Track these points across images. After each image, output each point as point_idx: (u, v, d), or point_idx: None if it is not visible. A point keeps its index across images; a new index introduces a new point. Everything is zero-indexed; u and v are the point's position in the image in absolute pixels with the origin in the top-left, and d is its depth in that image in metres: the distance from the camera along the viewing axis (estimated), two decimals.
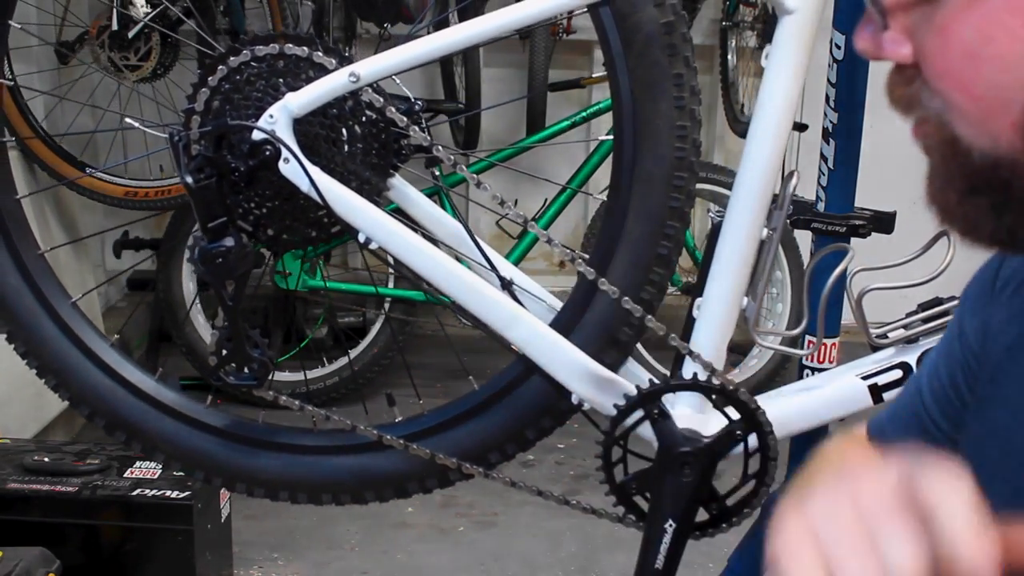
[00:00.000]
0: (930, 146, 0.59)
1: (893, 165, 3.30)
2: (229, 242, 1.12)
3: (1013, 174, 0.56)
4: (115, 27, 2.49)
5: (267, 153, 1.11)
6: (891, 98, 0.60)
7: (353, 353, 2.96)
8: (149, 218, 3.17)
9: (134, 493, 1.90)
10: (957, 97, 0.56)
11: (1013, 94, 0.53)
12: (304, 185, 1.12)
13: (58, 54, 2.71)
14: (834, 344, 1.37)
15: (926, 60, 0.56)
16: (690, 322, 1.20)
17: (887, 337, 1.20)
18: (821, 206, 1.34)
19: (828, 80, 1.31)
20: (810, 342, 1.33)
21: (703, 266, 1.19)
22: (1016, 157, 0.55)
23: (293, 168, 1.12)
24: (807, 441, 1.41)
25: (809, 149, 1.62)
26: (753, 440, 1.19)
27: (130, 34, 2.50)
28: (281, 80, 1.14)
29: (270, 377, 1.18)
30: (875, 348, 1.22)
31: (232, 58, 1.13)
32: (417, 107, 1.18)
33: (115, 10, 2.47)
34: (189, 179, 1.09)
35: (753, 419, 1.18)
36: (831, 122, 1.31)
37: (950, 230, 0.61)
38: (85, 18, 2.72)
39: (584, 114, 3.13)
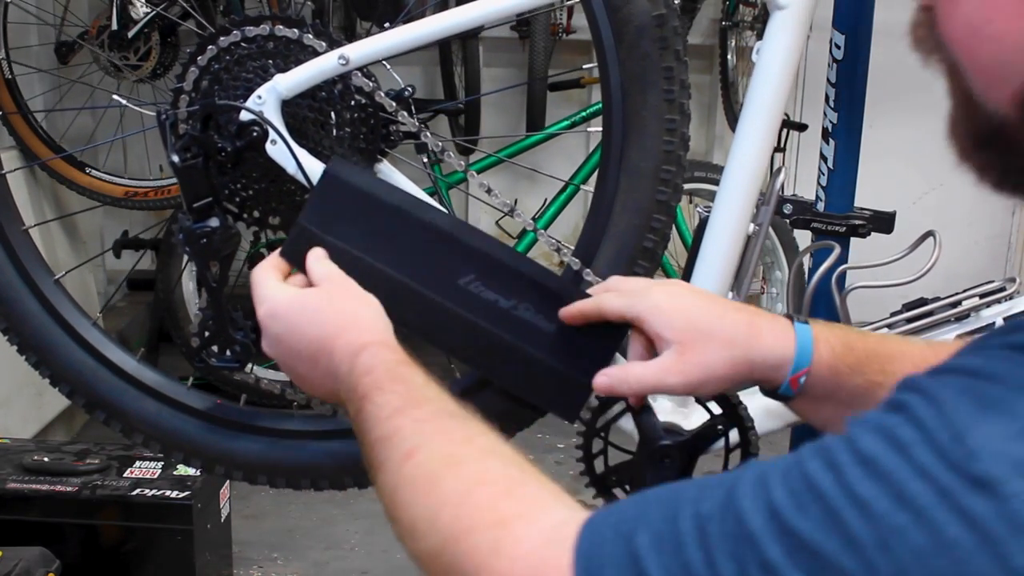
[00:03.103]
0: (951, 89, 0.60)
1: (893, 165, 3.32)
2: (214, 223, 1.12)
3: (1013, 140, 0.57)
4: (115, 27, 2.50)
5: (254, 134, 1.11)
6: (913, 38, 0.61)
7: None
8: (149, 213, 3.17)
9: (134, 493, 1.90)
10: (963, 61, 0.57)
11: (1011, 71, 0.54)
12: (291, 167, 1.12)
13: (58, 54, 2.71)
14: None
15: (939, 18, 0.58)
16: None
17: None
18: (821, 206, 1.34)
19: (828, 80, 1.31)
20: None
21: (689, 260, 1.19)
22: (1016, 126, 0.56)
23: (280, 150, 1.11)
24: (806, 437, 1.40)
25: (809, 149, 1.61)
26: (735, 435, 1.19)
27: (130, 34, 2.50)
28: (271, 62, 1.14)
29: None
30: None
31: (222, 38, 1.13)
32: (407, 93, 1.18)
33: (115, 10, 2.48)
34: (175, 158, 1.09)
35: (735, 414, 1.18)
36: (831, 122, 1.31)
37: (966, 170, 0.62)
38: (85, 18, 2.72)
39: (584, 114, 3.13)
